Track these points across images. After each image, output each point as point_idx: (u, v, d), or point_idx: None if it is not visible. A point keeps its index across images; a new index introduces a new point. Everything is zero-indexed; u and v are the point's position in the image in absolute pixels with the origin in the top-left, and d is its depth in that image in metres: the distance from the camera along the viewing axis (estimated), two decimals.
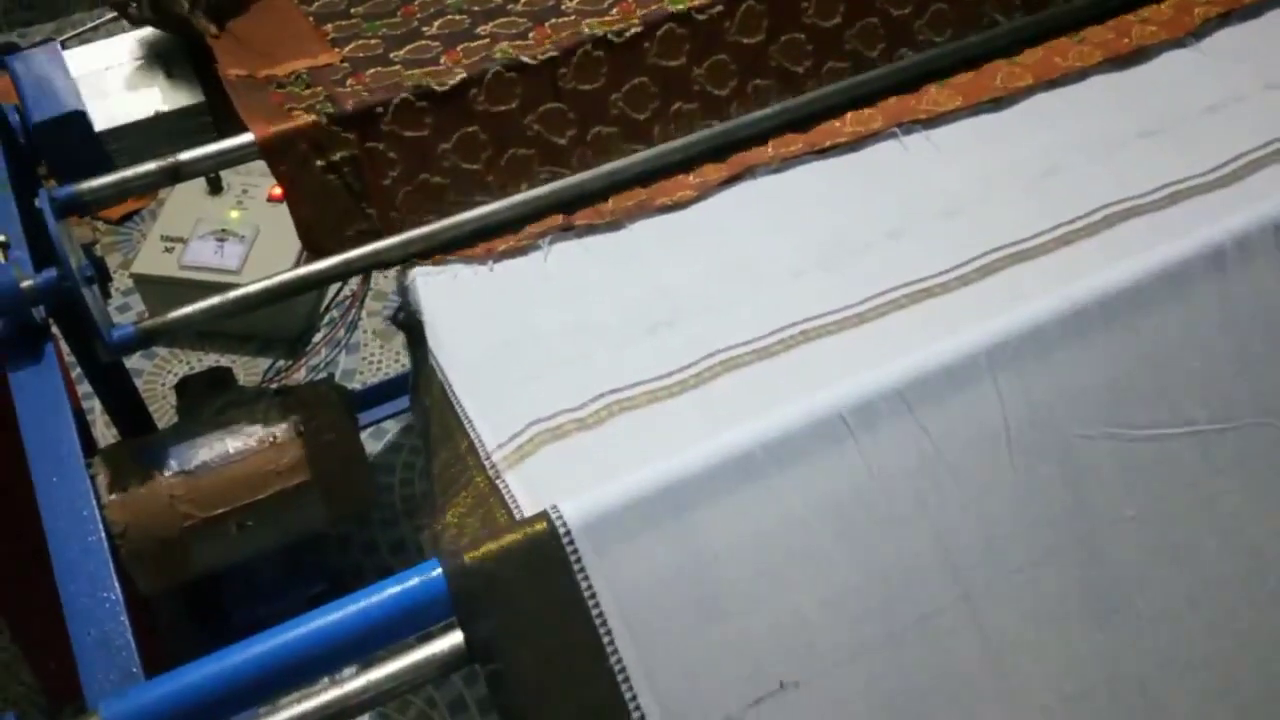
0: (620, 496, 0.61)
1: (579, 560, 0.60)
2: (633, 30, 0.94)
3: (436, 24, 0.98)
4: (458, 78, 0.91)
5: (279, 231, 1.73)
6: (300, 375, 1.76)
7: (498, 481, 0.71)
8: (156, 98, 0.99)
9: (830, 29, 1.00)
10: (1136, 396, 0.69)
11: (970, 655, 0.65)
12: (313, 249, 0.91)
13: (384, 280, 1.85)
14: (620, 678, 0.60)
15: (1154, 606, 0.69)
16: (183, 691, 0.58)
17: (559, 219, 0.90)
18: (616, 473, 0.70)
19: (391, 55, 0.95)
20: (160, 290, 1.74)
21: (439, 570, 0.60)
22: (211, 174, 1.77)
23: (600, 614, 0.60)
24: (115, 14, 0.99)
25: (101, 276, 0.88)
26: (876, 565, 0.64)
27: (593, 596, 0.60)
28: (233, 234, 1.74)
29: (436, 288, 0.85)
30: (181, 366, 1.79)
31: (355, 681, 0.59)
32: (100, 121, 0.96)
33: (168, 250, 1.74)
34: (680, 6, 0.95)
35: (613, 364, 0.78)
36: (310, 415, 0.93)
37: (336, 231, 0.91)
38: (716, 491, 0.63)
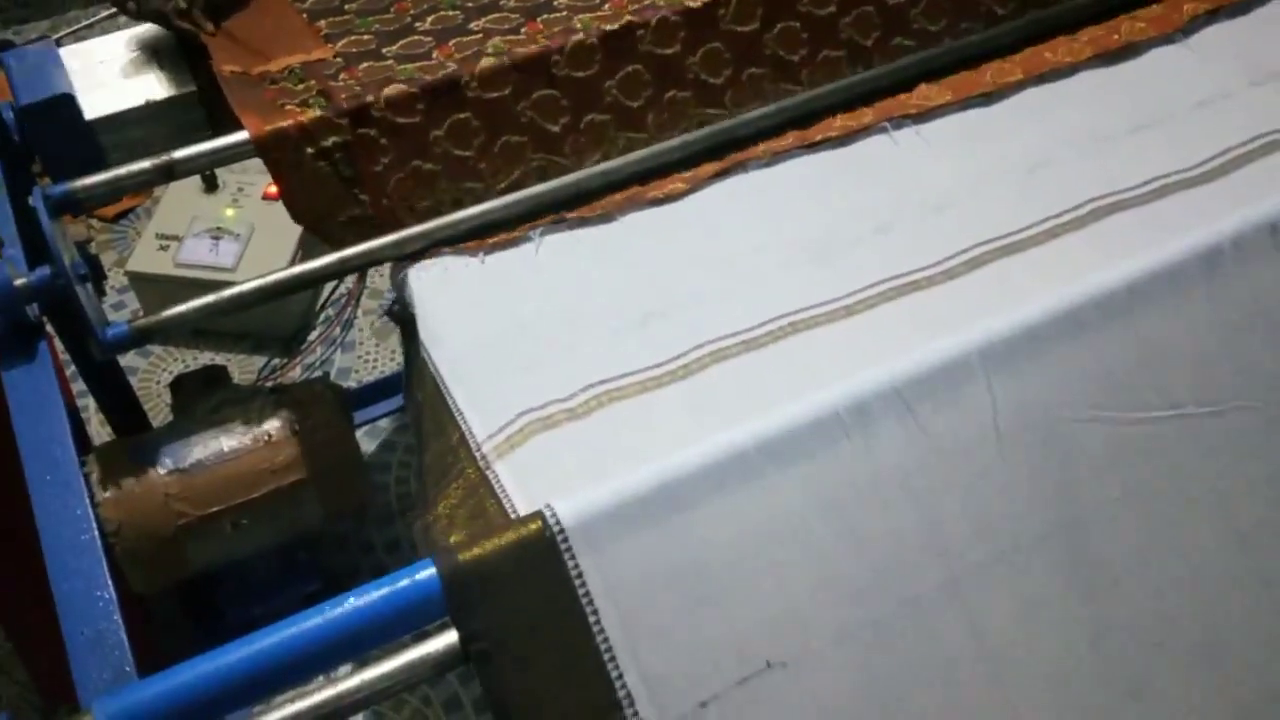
0: (614, 495, 0.61)
1: (573, 558, 0.60)
2: (626, 18, 0.94)
3: (429, 20, 0.98)
4: (449, 70, 0.91)
5: (274, 230, 1.72)
6: (295, 373, 1.76)
7: (487, 472, 0.72)
8: (147, 88, 0.99)
9: (825, 17, 1.00)
10: (1124, 382, 0.70)
11: (957, 637, 0.65)
12: (314, 233, 0.92)
13: (379, 278, 1.85)
14: (606, 656, 0.60)
15: (1141, 588, 0.69)
16: (177, 690, 0.57)
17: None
18: (606, 462, 0.71)
19: (384, 50, 0.95)
20: (155, 288, 1.74)
21: (433, 570, 0.60)
22: (206, 172, 1.77)
23: (586, 593, 0.60)
24: (111, 11, 0.99)
25: (95, 274, 0.88)
26: (864, 547, 0.64)
27: (581, 581, 0.60)
28: (228, 232, 1.74)
29: (428, 280, 0.86)
30: (177, 365, 1.79)
31: (350, 681, 0.59)
32: (91, 111, 0.96)
33: (163, 248, 1.74)
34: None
35: (603, 354, 0.79)
36: (305, 414, 0.93)
37: (329, 218, 0.90)
38: (709, 488, 0.63)
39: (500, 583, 0.60)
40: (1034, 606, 0.67)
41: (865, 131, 0.94)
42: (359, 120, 0.89)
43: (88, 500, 0.76)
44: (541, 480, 0.71)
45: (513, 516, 0.69)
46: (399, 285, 0.87)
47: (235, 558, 0.95)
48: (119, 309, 1.83)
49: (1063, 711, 0.67)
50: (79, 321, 0.84)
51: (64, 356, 1.20)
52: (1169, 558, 0.70)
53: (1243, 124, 0.91)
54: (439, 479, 0.75)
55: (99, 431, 1.55)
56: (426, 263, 0.87)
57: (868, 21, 1.01)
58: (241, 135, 0.88)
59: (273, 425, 0.92)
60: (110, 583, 0.70)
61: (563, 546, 0.60)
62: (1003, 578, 0.66)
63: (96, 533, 0.74)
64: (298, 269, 0.89)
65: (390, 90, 0.90)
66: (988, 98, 0.96)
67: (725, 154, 0.95)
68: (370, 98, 0.89)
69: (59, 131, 0.94)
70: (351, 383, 1.74)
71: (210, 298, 0.87)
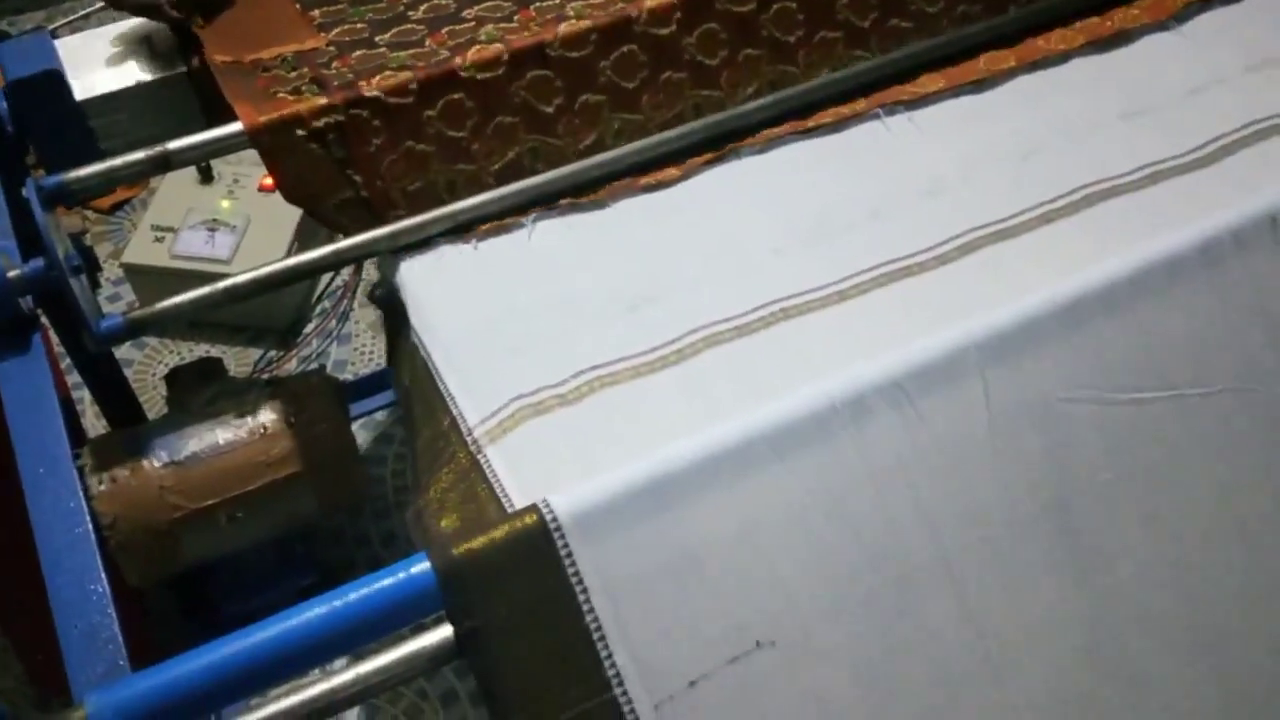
0: (607, 486, 0.61)
1: (563, 537, 0.60)
2: (619, 3, 0.94)
3: (422, 8, 0.98)
4: (442, 58, 0.91)
5: (270, 221, 1.72)
6: (291, 366, 1.75)
7: (479, 456, 0.72)
8: (138, 72, 0.99)
9: None
10: (1118, 364, 0.70)
11: (948, 617, 0.65)
12: (308, 211, 0.91)
13: (376, 271, 1.84)
14: (595, 635, 0.60)
15: (1133, 569, 0.69)
16: (170, 684, 0.57)
17: None
18: (597, 447, 0.71)
19: (377, 39, 0.95)
20: (151, 280, 1.73)
21: (427, 564, 0.59)
22: (201, 163, 1.76)
23: (576, 572, 0.60)
24: (104, 2, 0.98)
25: (90, 266, 0.88)
26: (854, 528, 0.64)
27: (571, 561, 0.60)
28: (224, 224, 1.74)
29: (420, 266, 0.86)
30: (172, 357, 1.78)
31: (345, 674, 0.59)
32: (81, 92, 0.96)
33: (158, 240, 1.73)
34: None
35: (595, 340, 0.79)
36: (301, 406, 0.93)
37: (322, 200, 0.90)
38: (702, 476, 0.63)
39: (494, 572, 0.60)
40: (1024, 586, 0.67)
41: (858, 118, 0.94)
42: (351, 101, 0.89)
43: (81, 494, 0.76)
44: (533, 465, 0.71)
45: (503, 501, 0.69)
46: (389, 270, 0.87)
47: (230, 551, 0.95)
48: (114, 301, 1.83)
49: (1052, 689, 0.67)
50: (73, 313, 0.84)
51: (59, 349, 1.20)
52: (1162, 539, 0.70)
53: (1236, 110, 0.92)
54: (430, 463, 0.75)
55: (94, 424, 1.54)
56: (419, 248, 0.87)
57: (864, 2, 1.00)
58: (236, 126, 0.87)
59: (268, 418, 0.92)
60: (104, 576, 0.70)
61: (555, 533, 0.60)
62: (993, 557, 0.66)
63: (90, 526, 0.74)
64: (293, 261, 0.89)
65: (382, 76, 0.90)
66: (981, 84, 0.96)
67: (723, 146, 0.94)
68: (363, 84, 0.89)
69: (48, 112, 0.94)
70: (347, 375, 1.74)
71: (205, 290, 0.87)
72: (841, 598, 0.64)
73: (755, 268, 0.83)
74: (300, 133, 0.87)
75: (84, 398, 1.52)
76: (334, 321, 1.81)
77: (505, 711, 0.59)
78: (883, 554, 0.65)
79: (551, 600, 0.60)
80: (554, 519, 0.60)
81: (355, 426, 1.48)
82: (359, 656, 0.60)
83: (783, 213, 0.87)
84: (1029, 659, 0.67)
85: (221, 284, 0.87)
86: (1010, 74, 0.97)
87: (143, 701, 0.57)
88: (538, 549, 0.60)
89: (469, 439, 0.73)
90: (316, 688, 0.58)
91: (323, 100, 0.88)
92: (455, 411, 0.75)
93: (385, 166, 0.91)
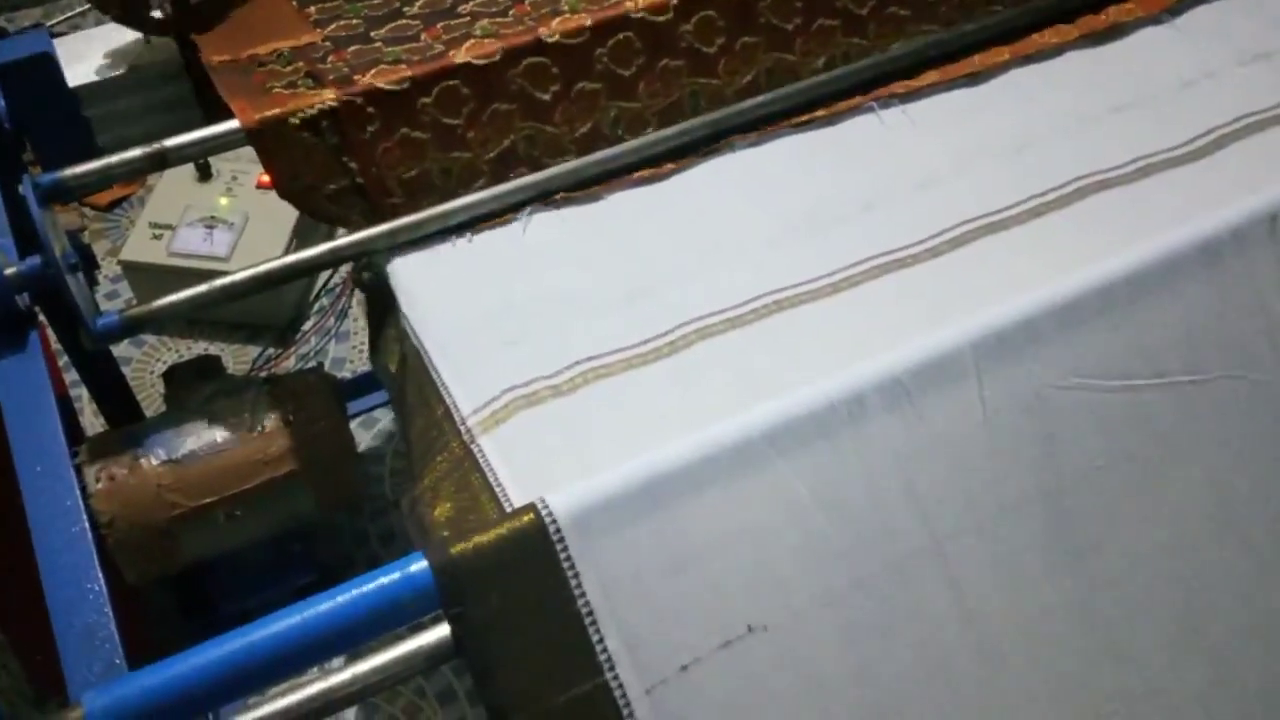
0: (605, 488, 0.61)
1: (565, 548, 0.60)
2: None
3: (418, 4, 0.98)
4: (437, 51, 0.91)
5: (268, 219, 1.72)
6: (290, 364, 1.75)
7: (472, 446, 0.72)
8: (133, 59, 0.99)
9: None
10: (1110, 351, 0.70)
11: (939, 601, 0.66)
12: (300, 209, 0.91)
13: None
14: (587, 620, 0.60)
15: (1124, 555, 0.69)
16: (168, 683, 0.57)
17: None
18: (590, 438, 0.72)
19: (372, 34, 0.95)
20: (149, 277, 1.73)
21: (424, 563, 0.59)
22: (199, 160, 1.76)
23: (569, 557, 0.60)
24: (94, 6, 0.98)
25: (87, 264, 0.88)
26: (846, 513, 0.65)
27: (564, 546, 0.60)
28: (222, 221, 1.74)
29: (414, 258, 0.86)
30: (170, 355, 1.78)
31: (343, 674, 0.59)
32: (74, 79, 0.96)
33: (156, 237, 1.73)
34: None
35: (589, 332, 0.79)
36: (299, 404, 0.93)
37: (316, 189, 0.90)
38: (696, 468, 0.63)
39: (491, 571, 0.59)
40: (1014, 569, 0.67)
41: (852, 111, 0.94)
42: (345, 87, 0.89)
43: (78, 492, 0.76)
44: (526, 455, 0.71)
45: (496, 490, 0.69)
46: (380, 257, 0.87)
47: (228, 549, 0.95)
48: (112, 298, 1.83)
49: (1043, 672, 0.67)
50: (70, 311, 0.84)
51: (56, 347, 1.19)
52: (1153, 525, 0.70)
53: (1228, 104, 0.92)
54: (425, 452, 0.76)
55: (92, 422, 1.54)
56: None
57: None
58: (234, 123, 0.87)
59: (266, 416, 0.92)
60: (101, 575, 0.70)
61: (552, 532, 0.60)
62: (984, 542, 0.67)
63: (87, 525, 0.74)
64: (292, 258, 0.89)
65: (377, 71, 0.90)
66: (974, 78, 0.97)
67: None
68: (358, 78, 0.89)
69: (42, 100, 0.93)
70: (346, 373, 1.74)
71: (203, 287, 0.86)
72: (833, 583, 0.64)
73: (748, 260, 0.84)
74: (294, 121, 0.87)
75: (82, 396, 1.52)
76: (332, 319, 1.81)
77: (497, 697, 0.59)
78: (875, 540, 0.65)
79: (546, 592, 0.60)
80: (551, 518, 0.60)
81: (353, 424, 1.48)
82: (357, 655, 0.60)
83: (776, 205, 0.88)
84: (1021, 643, 0.67)
85: (219, 281, 0.87)
86: (1004, 67, 0.97)
87: (140, 700, 0.56)
88: (535, 548, 0.60)
89: (462, 428, 0.74)
90: (314, 686, 0.58)
91: (318, 93, 0.88)
92: (449, 401, 0.75)
93: (380, 153, 0.90)
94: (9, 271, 0.82)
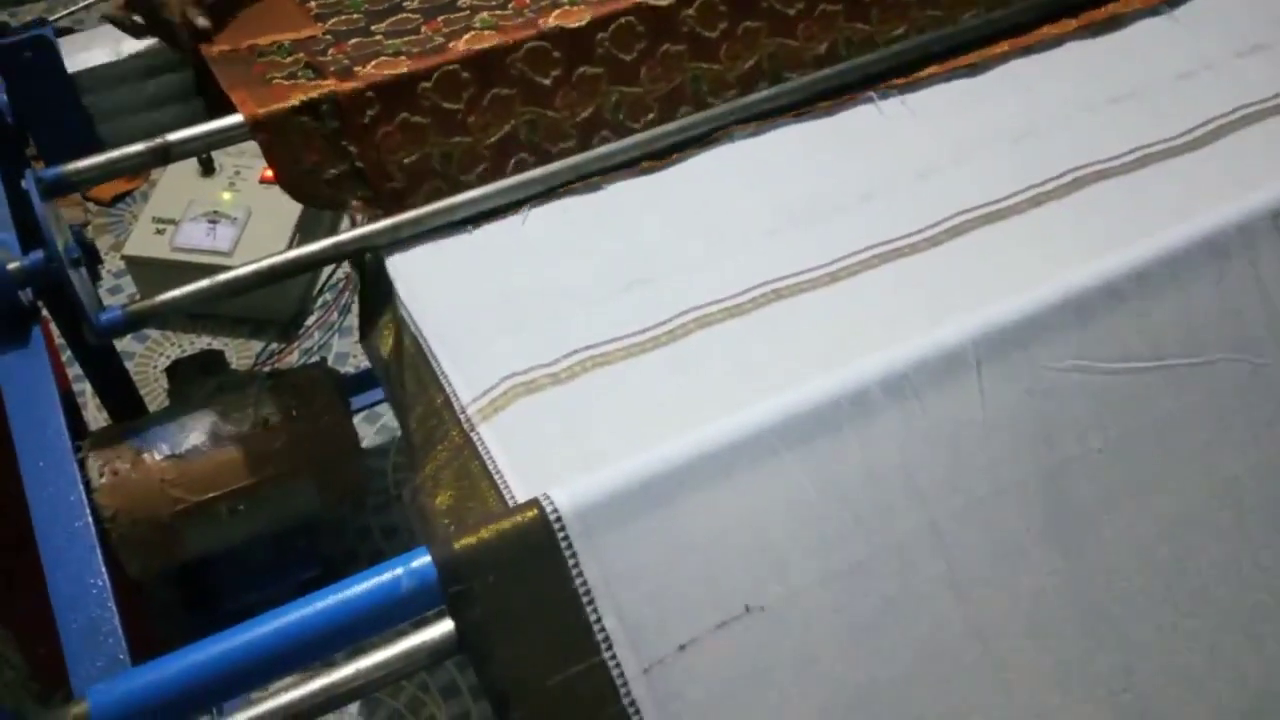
0: (609, 483, 0.61)
1: (568, 543, 0.60)
2: None
3: None
4: (436, 44, 0.91)
5: (272, 213, 1.72)
6: (293, 359, 1.75)
7: (472, 434, 0.73)
8: (133, 46, 0.99)
9: None
10: (1109, 334, 0.70)
11: (936, 583, 0.66)
12: (298, 197, 0.91)
13: None
14: (585, 600, 0.60)
15: (1120, 539, 0.69)
16: (171, 678, 0.57)
17: None
18: (589, 426, 0.72)
19: (373, 28, 0.95)
20: (152, 272, 1.73)
21: (428, 558, 0.59)
22: (202, 155, 1.76)
23: (566, 536, 0.60)
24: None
25: (90, 258, 0.88)
26: (844, 495, 0.65)
27: (561, 525, 0.60)
28: (225, 216, 1.73)
29: (414, 247, 0.86)
30: (174, 349, 1.78)
31: (346, 668, 0.59)
32: (73, 65, 0.96)
33: (159, 232, 1.73)
34: None
35: (588, 321, 0.79)
36: (303, 399, 0.93)
37: (316, 175, 0.90)
38: (694, 463, 0.63)
39: (495, 566, 0.59)
40: (1011, 550, 0.67)
41: (851, 101, 0.95)
42: (344, 74, 0.89)
43: (81, 487, 0.76)
44: (525, 443, 0.71)
45: (496, 478, 0.70)
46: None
47: (232, 544, 0.95)
48: (116, 293, 1.83)
49: (1039, 654, 0.67)
50: (73, 306, 0.84)
51: (60, 341, 1.20)
52: (1150, 506, 0.70)
53: (1226, 95, 0.93)
54: (425, 440, 0.76)
55: (95, 416, 1.54)
56: None
57: None
58: (237, 118, 0.87)
59: (270, 411, 0.92)
60: (104, 570, 0.70)
61: (556, 527, 0.60)
62: (981, 523, 0.67)
63: (90, 519, 0.74)
64: (295, 253, 0.89)
65: (378, 63, 0.90)
66: (974, 68, 0.97)
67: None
68: (358, 69, 0.89)
69: (44, 94, 0.93)
70: (349, 368, 1.74)
71: (206, 282, 0.86)
72: (830, 563, 0.64)
73: (747, 249, 0.84)
74: (294, 104, 0.87)
75: (85, 390, 1.52)
76: (335, 314, 1.81)
77: (496, 678, 0.59)
78: (872, 521, 0.65)
79: (546, 577, 0.60)
80: (556, 514, 0.60)
81: (356, 419, 1.48)
82: (360, 650, 0.60)
83: (775, 195, 0.88)
84: (1017, 624, 0.67)
85: (223, 276, 0.87)
86: (1003, 58, 0.98)
87: (143, 695, 0.57)
88: (538, 543, 0.60)
89: (462, 417, 0.74)
90: (318, 682, 0.58)
91: (318, 84, 0.88)
92: (448, 389, 0.76)
93: (381, 138, 0.90)
94: (12, 266, 0.82)
